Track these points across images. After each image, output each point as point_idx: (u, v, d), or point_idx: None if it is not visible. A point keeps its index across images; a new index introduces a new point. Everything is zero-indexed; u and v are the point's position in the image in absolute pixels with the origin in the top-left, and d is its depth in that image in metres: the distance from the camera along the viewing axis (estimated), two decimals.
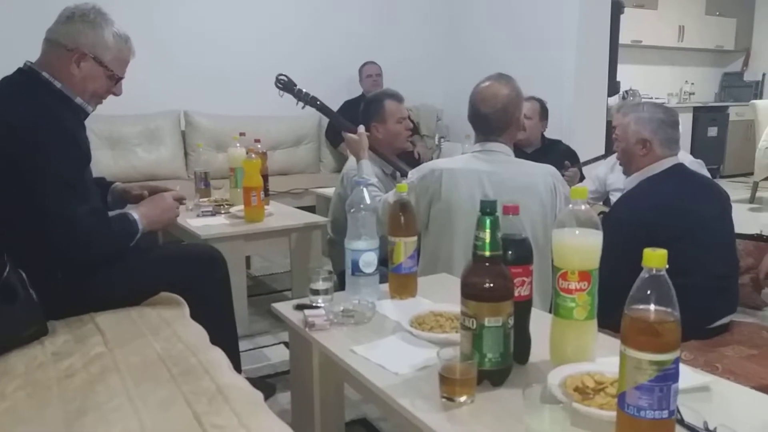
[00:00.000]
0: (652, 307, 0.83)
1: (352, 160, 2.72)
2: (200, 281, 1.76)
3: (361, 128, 2.34)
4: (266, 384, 2.17)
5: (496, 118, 1.87)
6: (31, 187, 1.51)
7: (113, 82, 1.70)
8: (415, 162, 3.36)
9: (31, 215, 1.52)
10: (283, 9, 4.91)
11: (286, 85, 2.32)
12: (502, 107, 1.86)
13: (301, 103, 2.46)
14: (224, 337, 1.66)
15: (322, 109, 2.42)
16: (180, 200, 1.89)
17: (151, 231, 1.75)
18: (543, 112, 3.36)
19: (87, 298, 1.63)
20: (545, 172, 1.93)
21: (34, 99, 1.57)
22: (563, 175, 3.10)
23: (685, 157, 2.31)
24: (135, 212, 1.71)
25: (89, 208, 1.59)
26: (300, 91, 2.35)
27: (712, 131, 7.55)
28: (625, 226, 1.81)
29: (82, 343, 1.44)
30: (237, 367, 1.80)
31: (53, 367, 1.32)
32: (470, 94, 1.92)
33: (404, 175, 2.40)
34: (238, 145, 2.94)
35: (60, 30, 1.63)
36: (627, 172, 2.00)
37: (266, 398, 1.19)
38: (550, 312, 1.19)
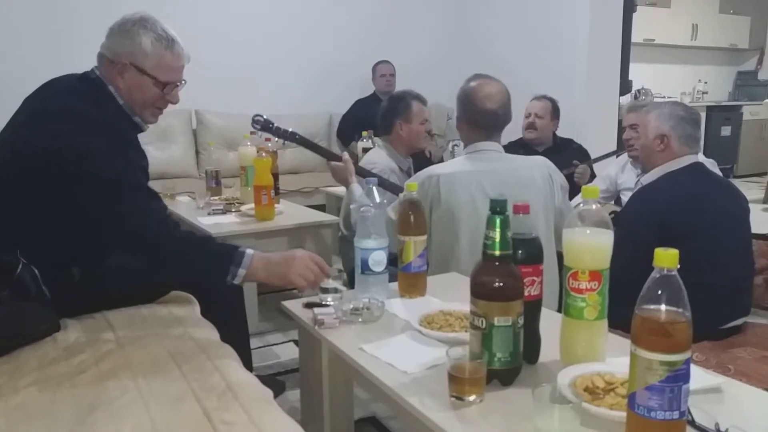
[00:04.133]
0: (663, 307, 0.82)
1: (368, 156, 2.73)
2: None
3: (345, 155, 2.32)
4: (276, 381, 2.18)
5: (503, 112, 1.89)
6: (94, 197, 1.47)
7: (161, 89, 1.64)
8: (426, 161, 3.36)
9: (47, 214, 1.53)
10: (294, 8, 4.93)
11: (263, 125, 2.30)
12: (507, 101, 1.90)
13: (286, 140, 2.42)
14: (235, 334, 1.67)
15: (303, 142, 2.36)
16: (318, 264, 1.53)
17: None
18: (554, 112, 3.35)
19: (99, 295, 1.64)
20: (539, 164, 1.96)
21: (96, 114, 1.54)
22: (573, 174, 3.10)
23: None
24: (253, 250, 1.50)
25: (159, 207, 1.53)
26: (278, 128, 2.32)
27: (726, 130, 7.48)
28: (640, 221, 1.80)
29: (93, 340, 1.45)
30: (248, 365, 1.81)
31: (65, 363, 1.33)
32: (465, 95, 1.91)
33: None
34: (248, 143, 2.95)
35: (104, 44, 1.62)
36: (645, 169, 1.99)
37: (276, 396, 1.20)
38: (559, 311, 1.18)
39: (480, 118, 1.90)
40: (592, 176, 3.22)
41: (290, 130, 2.32)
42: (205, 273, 1.53)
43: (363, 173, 2.32)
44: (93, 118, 1.52)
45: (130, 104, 1.64)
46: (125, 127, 1.63)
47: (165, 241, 1.49)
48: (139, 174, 1.56)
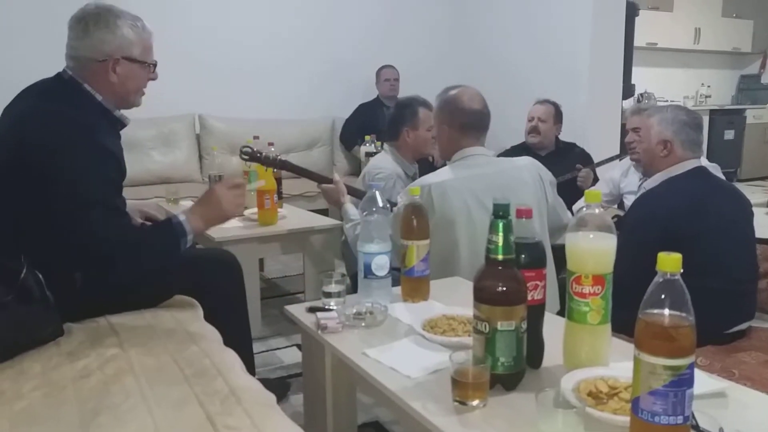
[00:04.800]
0: (666, 311, 0.82)
1: (374, 161, 2.73)
2: (215, 284, 1.77)
3: (336, 176, 2.31)
4: (281, 383, 2.17)
5: (487, 112, 1.93)
6: (63, 203, 1.48)
7: (151, 70, 1.69)
8: (429, 166, 3.36)
9: (51, 221, 1.54)
10: (296, 11, 4.94)
11: (251, 155, 2.29)
12: (486, 104, 1.93)
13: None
14: (238, 339, 1.67)
15: (292, 168, 2.37)
16: (237, 186, 1.68)
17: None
18: (557, 116, 3.35)
19: (103, 300, 1.64)
20: (528, 164, 1.98)
21: (75, 116, 1.54)
22: (576, 178, 3.10)
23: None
24: (183, 214, 1.61)
25: (121, 225, 1.55)
26: (267, 157, 2.30)
27: (729, 134, 7.46)
28: (643, 226, 1.80)
29: (97, 345, 1.45)
30: (251, 369, 1.81)
31: (69, 368, 1.33)
32: (448, 103, 1.94)
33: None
34: (252, 147, 2.95)
35: (82, 45, 1.60)
36: (648, 173, 1.99)
37: (280, 398, 1.19)
38: (559, 313, 1.18)
39: (471, 118, 1.92)
40: (595, 180, 3.22)
41: (279, 157, 2.32)
42: (165, 259, 1.62)
43: (355, 194, 2.31)
44: (76, 125, 1.52)
45: (122, 96, 1.65)
46: (105, 126, 1.62)
47: (114, 254, 1.50)
48: (105, 188, 1.54)
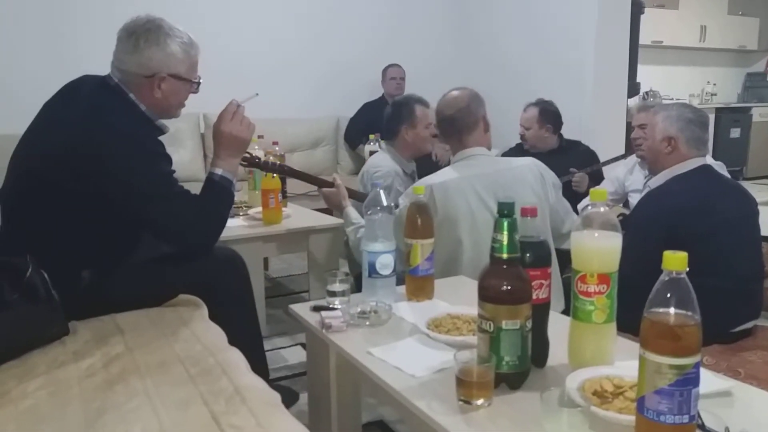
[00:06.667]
0: (672, 310, 0.82)
1: (372, 159, 2.73)
2: (220, 283, 1.77)
3: (337, 180, 2.30)
4: (290, 392, 2.16)
5: (461, 116, 1.93)
6: (127, 206, 1.59)
7: (195, 87, 1.74)
8: (433, 165, 3.36)
9: (57, 219, 1.55)
10: (301, 11, 4.94)
11: (249, 161, 2.30)
12: (467, 105, 1.94)
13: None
14: (247, 336, 1.67)
15: (292, 172, 2.39)
16: (233, 113, 1.79)
17: None
18: (543, 117, 3.22)
19: (108, 299, 1.65)
20: (530, 164, 1.99)
21: (122, 124, 1.59)
22: (570, 182, 3.07)
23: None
24: (216, 167, 1.73)
25: (186, 205, 1.66)
26: (266, 162, 2.33)
27: (735, 132, 7.43)
28: (648, 224, 1.80)
29: (102, 344, 1.45)
30: (263, 367, 1.81)
31: (74, 367, 1.34)
32: (435, 112, 2.01)
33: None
34: (256, 147, 2.95)
35: (131, 60, 1.62)
36: (653, 171, 1.98)
37: (287, 406, 1.19)
38: (564, 312, 1.18)
39: (443, 125, 1.97)
40: (600, 179, 3.20)
41: (278, 162, 2.33)
42: (228, 210, 1.78)
43: (356, 196, 2.31)
44: (128, 135, 1.58)
45: (164, 108, 1.70)
46: (149, 132, 1.67)
47: (189, 228, 1.66)
48: (164, 181, 1.65)
